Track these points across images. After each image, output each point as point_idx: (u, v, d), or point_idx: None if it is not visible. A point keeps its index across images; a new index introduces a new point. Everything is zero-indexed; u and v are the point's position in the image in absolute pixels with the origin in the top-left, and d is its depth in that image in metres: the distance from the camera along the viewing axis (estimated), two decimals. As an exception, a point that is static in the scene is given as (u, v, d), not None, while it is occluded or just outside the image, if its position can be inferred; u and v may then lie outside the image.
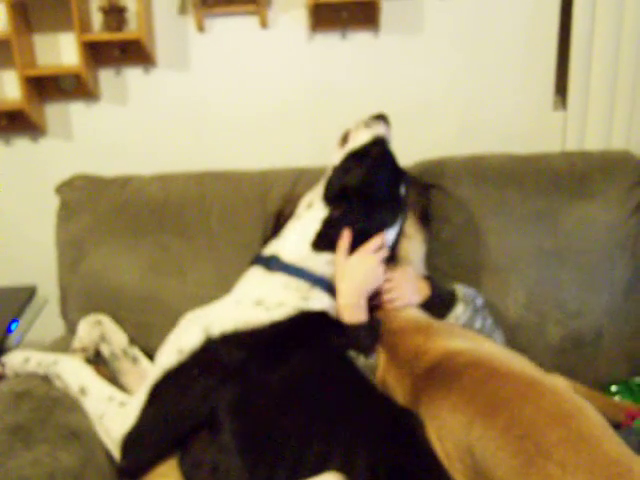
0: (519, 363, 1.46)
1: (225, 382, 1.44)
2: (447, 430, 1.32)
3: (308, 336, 1.59)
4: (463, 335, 1.62)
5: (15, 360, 1.68)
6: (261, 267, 1.71)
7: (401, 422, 1.42)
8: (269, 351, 1.51)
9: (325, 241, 1.71)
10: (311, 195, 1.84)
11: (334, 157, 1.88)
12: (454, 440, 1.29)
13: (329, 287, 1.70)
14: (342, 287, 1.68)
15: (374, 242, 1.73)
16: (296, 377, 1.49)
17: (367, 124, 1.89)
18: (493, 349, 1.54)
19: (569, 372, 1.92)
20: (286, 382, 1.47)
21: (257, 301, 1.60)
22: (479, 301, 1.86)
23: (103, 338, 1.86)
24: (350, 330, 1.66)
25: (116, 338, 1.89)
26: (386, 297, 1.74)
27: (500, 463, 1.18)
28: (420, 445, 1.35)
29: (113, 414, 1.49)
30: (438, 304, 1.78)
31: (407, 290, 1.76)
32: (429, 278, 1.87)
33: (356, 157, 1.81)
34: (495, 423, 1.23)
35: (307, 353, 1.55)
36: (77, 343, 1.78)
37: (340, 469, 1.27)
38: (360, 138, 1.85)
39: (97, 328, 1.86)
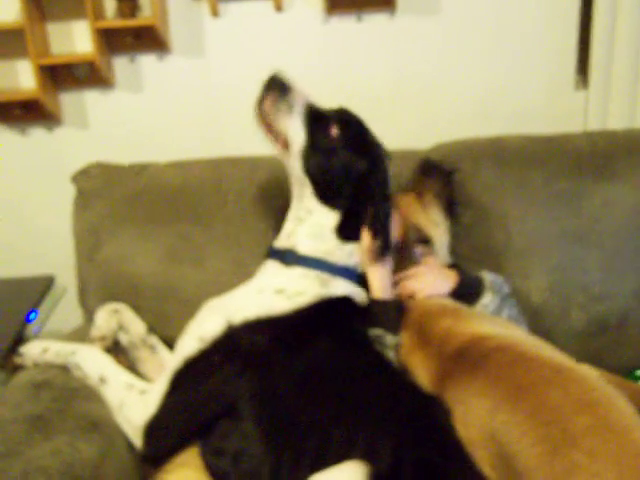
0: (546, 351, 1.43)
1: (247, 369, 1.43)
2: (472, 415, 1.29)
3: (330, 322, 1.57)
4: (492, 321, 1.60)
5: (33, 350, 1.67)
6: (276, 261, 1.69)
7: (426, 408, 1.40)
8: (291, 338, 1.50)
9: (349, 232, 1.68)
10: (296, 210, 1.75)
11: (290, 163, 1.71)
12: (479, 426, 1.27)
13: (351, 275, 1.69)
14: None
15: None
16: (318, 363, 1.47)
17: (284, 109, 1.67)
18: (521, 335, 1.51)
19: (593, 357, 1.90)
20: (308, 368, 1.45)
21: (277, 290, 1.58)
22: (506, 289, 1.83)
23: (121, 327, 1.85)
24: (379, 307, 1.67)
25: (134, 326, 1.88)
26: (412, 287, 1.72)
27: (524, 449, 1.15)
28: (445, 432, 1.33)
29: (133, 402, 1.48)
30: (466, 292, 1.75)
31: (432, 279, 1.74)
32: (455, 266, 1.84)
33: (318, 149, 1.65)
34: (520, 408, 1.20)
35: (329, 339, 1.53)
36: (95, 332, 1.77)
37: (364, 455, 1.25)
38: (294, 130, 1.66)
39: (115, 317, 1.85)
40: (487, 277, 1.83)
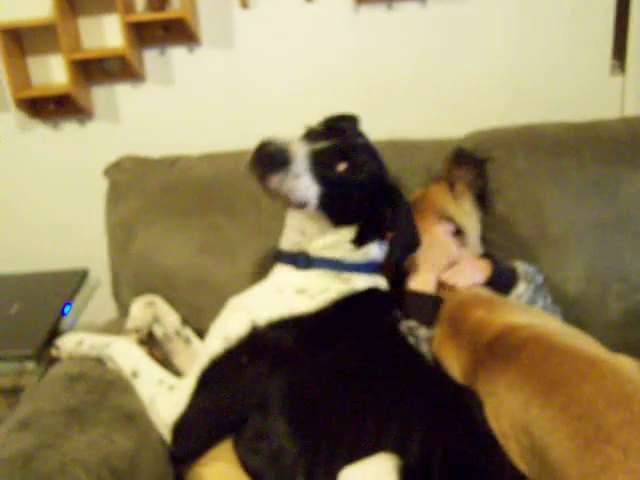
0: (582, 341, 1.41)
1: (274, 369, 1.43)
2: (504, 408, 1.28)
3: (356, 317, 1.56)
4: (526, 310, 1.58)
5: (69, 343, 1.69)
6: (288, 265, 1.65)
7: (457, 401, 1.39)
8: (317, 335, 1.50)
9: (366, 238, 1.66)
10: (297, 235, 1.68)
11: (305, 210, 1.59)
12: (511, 419, 1.25)
13: (370, 267, 1.68)
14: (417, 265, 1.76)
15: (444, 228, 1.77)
16: (347, 358, 1.47)
17: (291, 178, 1.48)
18: (556, 326, 1.48)
19: (632, 348, 1.85)
20: (337, 364, 1.45)
21: (299, 290, 1.57)
22: (539, 279, 1.80)
23: (156, 319, 1.86)
24: (416, 299, 1.68)
25: (169, 319, 1.89)
26: (449, 278, 1.71)
27: (557, 444, 1.12)
28: (477, 425, 1.32)
29: (163, 399, 1.48)
30: (500, 282, 1.73)
31: (469, 270, 1.72)
32: (489, 256, 1.82)
33: (332, 191, 1.55)
34: (553, 402, 1.18)
35: (357, 334, 1.52)
36: (130, 324, 1.78)
37: (394, 449, 1.25)
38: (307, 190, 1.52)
39: (150, 309, 1.86)
40: (520, 267, 1.80)
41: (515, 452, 1.24)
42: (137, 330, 1.76)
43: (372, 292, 1.63)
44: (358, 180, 1.56)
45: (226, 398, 1.43)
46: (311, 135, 1.62)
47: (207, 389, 1.44)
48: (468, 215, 1.86)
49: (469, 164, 1.90)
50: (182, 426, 1.43)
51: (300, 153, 1.46)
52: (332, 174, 1.52)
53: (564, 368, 1.24)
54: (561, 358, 1.27)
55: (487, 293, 1.67)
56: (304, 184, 1.48)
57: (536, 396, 1.21)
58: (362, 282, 1.62)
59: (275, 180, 1.44)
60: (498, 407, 1.29)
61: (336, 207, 1.57)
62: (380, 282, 1.68)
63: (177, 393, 1.47)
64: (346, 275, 1.61)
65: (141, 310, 1.84)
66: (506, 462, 1.24)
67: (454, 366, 1.50)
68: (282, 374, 1.42)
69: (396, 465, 1.18)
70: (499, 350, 1.38)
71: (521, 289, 1.74)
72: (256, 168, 1.46)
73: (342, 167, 1.55)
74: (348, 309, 1.56)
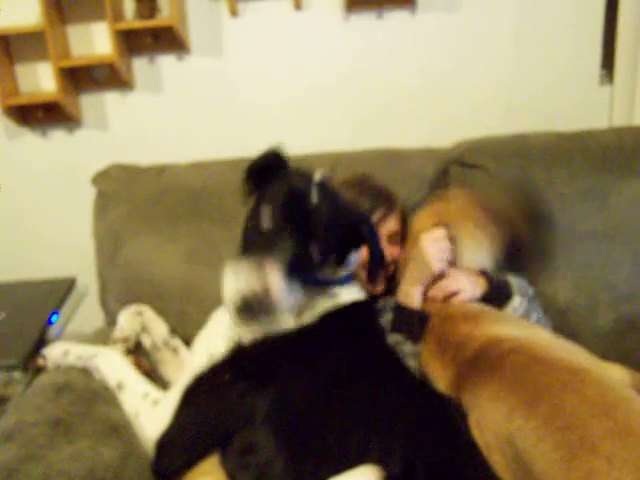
0: (567, 350, 1.39)
1: (259, 386, 1.41)
2: (487, 420, 1.27)
3: (341, 331, 1.54)
4: (516, 323, 1.56)
5: (55, 353, 1.67)
6: None
7: (442, 412, 1.38)
8: (301, 351, 1.47)
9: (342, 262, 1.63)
10: None
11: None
12: (494, 430, 1.24)
13: (350, 278, 1.66)
14: (403, 279, 1.74)
15: (431, 234, 1.72)
16: (332, 372, 1.44)
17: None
18: (543, 336, 1.48)
19: (622, 357, 1.85)
20: (322, 379, 1.43)
21: None
22: (531, 291, 1.80)
23: (144, 328, 1.85)
24: (403, 314, 1.66)
25: (157, 328, 1.87)
26: (448, 290, 1.69)
27: (541, 455, 1.11)
28: (461, 436, 1.31)
29: (147, 413, 1.46)
30: (496, 297, 1.72)
31: (468, 284, 1.71)
32: (483, 272, 1.80)
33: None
34: (536, 412, 1.17)
35: (342, 348, 1.50)
36: (118, 333, 1.76)
37: (379, 461, 1.24)
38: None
39: (138, 318, 1.85)
40: (512, 280, 1.79)
41: (499, 464, 1.22)
42: (125, 340, 1.74)
43: (356, 305, 1.61)
44: (331, 248, 1.49)
45: (210, 416, 1.40)
46: (275, 241, 1.42)
47: (190, 407, 1.42)
48: (473, 245, 1.84)
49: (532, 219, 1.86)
50: (165, 444, 1.40)
51: (278, 288, 1.33)
52: (308, 271, 1.45)
53: (546, 378, 1.23)
54: (543, 368, 1.26)
55: (478, 307, 1.66)
56: (289, 305, 1.41)
57: (519, 407, 1.20)
58: (346, 295, 1.60)
59: (265, 320, 1.40)
60: (481, 419, 1.28)
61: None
62: (360, 291, 1.67)
63: (161, 409, 1.44)
64: (331, 290, 1.60)
65: (129, 319, 1.82)
66: (490, 473, 1.23)
67: (440, 380, 1.49)
68: (267, 391, 1.40)
69: (380, 476, 1.17)
70: (483, 363, 1.37)
71: (516, 302, 1.73)
72: (244, 317, 1.36)
73: (315, 252, 1.46)
74: (333, 324, 1.54)
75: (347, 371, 1.46)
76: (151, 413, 1.45)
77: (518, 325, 1.54)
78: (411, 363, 1.61)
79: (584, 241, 1.95)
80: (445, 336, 1.55)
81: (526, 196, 1.85)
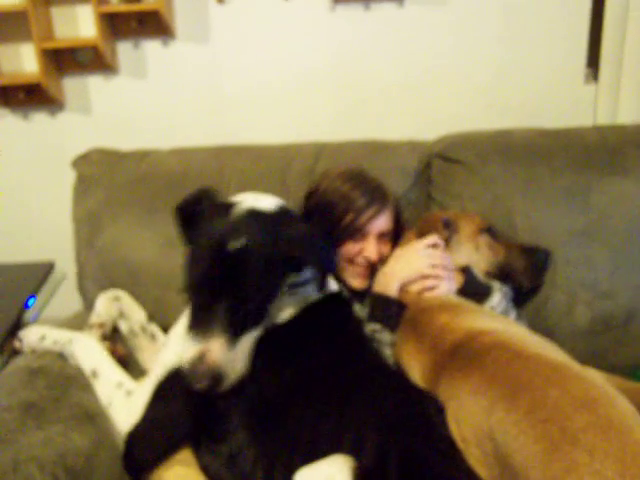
0: (547, 348, 1.40)
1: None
2: (466, 413, 1.26)
3: (317, 327, 1.54)
4: (494, 318, 1.57)
5: (32, 336, 1.66)
6: None
7: (416, 403, 1.38)
8: (276, 347, 1.46)
9: None
10: None
11: None
12: (473, 424, 1.24)
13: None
14: (383, 269, 1.76)
15: (425, 241, 1.74)
16: (306, 365, 1.44)
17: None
18: (523, 332, 1.48)
19: (597, 355, 1.88)
20: (296, 372, 1.42)
21: None
22: (510, 292, 1.81)
23: (121, 314, 1.84)
24: (380, 302, 1.68)
25: (134, 314, 1.86)
26: (426, 284, 1.70)
27: (521, 448, 1.11)
28: (435, 429, 1.31)
29: (120, 404, 1.45)
30: (473, 291, 1.73)
31: (446, 278, 1.71)
32: (464, 269, 1.80)
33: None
34: (517, 406, 1.17)
35: (317, 341, 1.50)
36: (95, 318, 1.75)
37: (349, 451, 1.23)
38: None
39: (115, 304, 1.84)
40: (494, 282, 1.81)
41: (476, 457, 1.22)
42: (101, 325, 1.73)
43: (329, 298, 1.60)
44: (269, 289, 1.42)
45: (181, 411, 1.40)
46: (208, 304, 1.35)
47: (162, 401, 1.41)
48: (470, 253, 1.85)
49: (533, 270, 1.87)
50: (135, 438, 1.40)
51: (221, 360, 1.31)
52: (253, 321, 1.40)
53: (528, 373, 1.23)
54: (525, 363, 1.26)
55: (456, 299, 1.66)
56: (239, 366, 1.37)
57: (500, 401, 1.20)
58: (314, 290, 1.57)
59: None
60: (459, 411, 1.28)
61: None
62: (331, 283, 1.65)
63: (133, 401, 1.43)
64: (302, 288, 1.58)
65: (106, 305, 1.81)
66: (463, 466, 1.23)
67: (415, 370, 1.49)
68: (240, 386, 1.39)
69: (351, 466, 1.17)
70: (461, 355, 1.37)
71: (496, 300, 1.74)
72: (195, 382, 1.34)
73: (252, 303, 1.37)
74: (308, 320, 1.53)
75: (322, 364, 1.45)
76: (124, 404, 1.45)
77: (497, 320, 1.54)
78: (388, 352, 1.62)
79: (564, 238, 1.96)
80: (421, 325, 1.55)
81: (536, 248, 1.87)
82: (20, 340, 1.67)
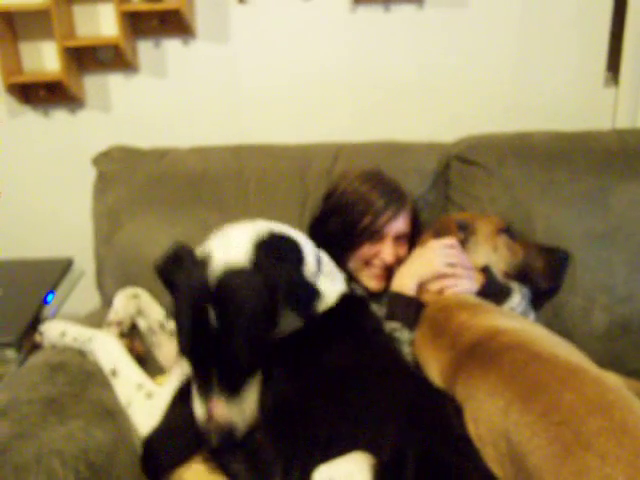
0: (565, 350, 1.39)
1: None
2: (483, 413, 1.26)
3: (336, 327, 1.53)
4: (513, 318, 1.57)
5: (52, 332, 1.66)
6: None
7: (434, 404, 1.38)
8: (294, 348, 1.46)
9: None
10: None
11: None
12: (490, 424, 1.24)
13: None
14: (401, 269, 1.77)
15: (442, 241, 1.75)
16: (325, 367, 1.43)
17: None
18: (541, 333, 1.48)
19: (615, 359, 1.87)
20: (314, 373, 1.42)
21: None
22: (528, 293, 1.81)
23: (140, 312, 1.83)
24: (399, 301, 1.68)
25: (153, 312, 1.86)
26: (445, 283, 1.70)
27: (535, 450, 1.11)
28: (454, 429, 1.31)
29: (139, 406, 1.46)
30: (493, 292, 1.72)
31: (467, 278, 1.72)
32: (484, 269, 1.81)
33: None
34: (533, 408, 1.17)
35: (337, 342, 1.49)
36: (113, 316, 1.75)
37: (367, 450, 1.23)
38: None
39: (134, 301, 1.83)
40: (514, 283, 1.81)
41: (491, 457, 1.22)
42: (119, 323, 1.73)
43: (345, 300, 1.58)
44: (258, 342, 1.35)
45: None
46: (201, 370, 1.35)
47: (182, 404, 1.41)
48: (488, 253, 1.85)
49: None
50: (154, 441, 1.40)
51: (227, 421, 1.32)
52: (242, 378, 1.36)
53: (545, 375, 1.23)
54: (542, 365, 1.26)
55: (475, 299, 1.66)
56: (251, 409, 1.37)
57: (516, 402, 1.20)
58: (329, 292, 1.56)
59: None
60: (477, 411, 1.28)
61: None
62: (341, 282, 1.65)
63: (153, 404, 1.44)
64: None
65: (124, 302, 1.81)
66: (481, 465, 1.23)
67: (433, 367, 1.49)
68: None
69: (370, 463, 1.17)
70: (480, 354, 1.37)
71: (515, 301, 1.74)
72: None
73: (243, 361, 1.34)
74: (325, 323, 1.52)
75: (340, 363, 1.45)
76: (143, 407, 1.45)
77: (515, 319, 1.54)
78: (407, 350, 1.62)
79: (582, 242, 1.95)
80: (440, 323, 1.56)
81: (555, 249, 1.88)
82: (41, 334, 1.68)
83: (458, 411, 1.33)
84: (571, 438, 1.07)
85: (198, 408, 1.33)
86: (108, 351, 1.58)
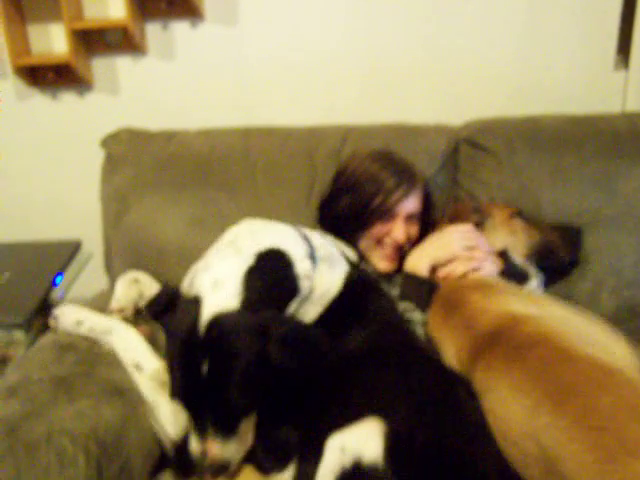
0: (593, 337, 1.35)
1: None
2: (505, 409, 1.24)
3: (351, 311, 1.54)
4: (533, 300, 1.54)
5: (67, 319, 1.63)
6: None
7: (447, 388, 1.37)
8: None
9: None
10: None
11: None
12: (514, 423, 1.21)
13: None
14: (414, 250, 1.78)
15: (462, 227, 1.76)
16: (340, 353, 1.44)
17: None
18: (564, 315, 1.45)
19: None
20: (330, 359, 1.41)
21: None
22: (541, 276, 1.81)
23: (142, 296, 1.81)
24: (412, 282, 1.68)
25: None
26: (468, 266, 1.69)
27: (572, 456, 1.06)
28: (465, 414, 1.31)
29: (166, 407, 1.43)
30: (513, 275, 1.72)
31: (487, 261, 1.71)
32: (504, 254, 1.80)
33: None
34: (566, 411, 1.12)
35: (353, 326, 1.50)
36: (115, 304, 1.73)
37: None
38: None
39: (134, 286, 1.82)
40: (529, 266, 1.81)
41: (514, 454, 1.20)
42: (121, 310, 1.71)
43: (351, 284, 1.58)
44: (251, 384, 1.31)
45: None
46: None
47: None
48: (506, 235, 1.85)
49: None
50: (184, 445, 1.37)
51: (222, 453, 1.31)
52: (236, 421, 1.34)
53: (577, 377, 1.18)
54: (573, 365, 1.21)
55: (495, 280, 1.65)
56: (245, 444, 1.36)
57: (546, 404, 1.16)
58: (334, 281, 1.56)
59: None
60: (498, 406, 1.26)
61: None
62: (342, 263, 1.63)
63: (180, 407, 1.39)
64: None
65: (125, 289, 1.79)
66: (492, 452, 1.23)
67: (448, 348, 1.48)
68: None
69: (382, 430, 1.18)
70: (502, 345, 1.34)
71: (534, 284, 1.75)
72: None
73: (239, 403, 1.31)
74: (337, 312, 1.53)
75: (352, 351, 1.46)
76: (170, 407, 1.42)
77: (537, 304, 1.51)
78: (420, 331, 1.62)
79: (591, 226, 1.94)
80: (452, 303, 1.55)
81: (566, 226, 1.89)
82: (55, 318, 1.64)
83: (472, 395, 1.33)
84: (614, 445, 1.03)
85: (193, 443, 1.31)
86: (129, 345, 1.54)
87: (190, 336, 1.27)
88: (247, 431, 1.34)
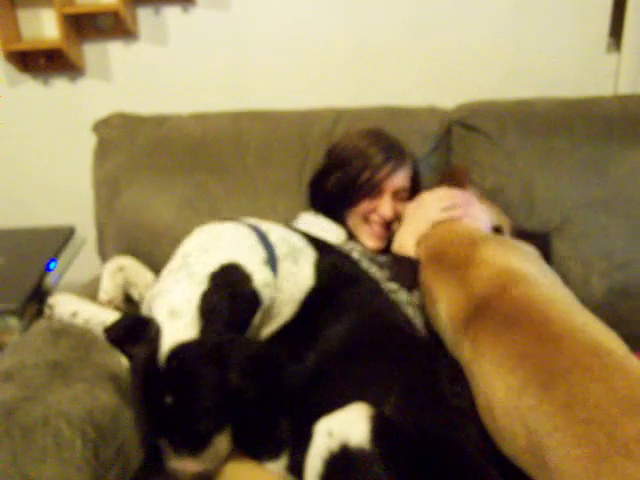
0: (584, 318, 1.26)
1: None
2: (491, 386, 1.21)
3: (330, 293, 1.53)
4: (526, 257, 1.48)
5: (63, 310, 1.60)
6: None
7: (429, 374, 1.39)
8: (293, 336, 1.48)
9: None
10: None
11: None
12: (499, 399, 1.18)
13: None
14: (400, 229, 1.76)
15: (435, 192, 1.77)
16: (324, 343, 1.45)
17: None
18: (552, 281, 1.42)
19: (613, 327, 1.87)
20: (312, 352, 1.44)
21: None
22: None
23: (128, 283, 1.80)
24: (396, 261, 1.69)
25: (140, 279, 1.83)
26: (450, 213, 1.68)
27: (558, 447, 1.01)
28: (447, 400, 1.34)
29: None
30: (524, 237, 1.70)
31: (474, 209, 1.70)
32: (498, 230, 1.80)
33: None
34: (551, 396, 1.07)
35: (328, 318, 1.49)
36: (103, 296, 1.71)
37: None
38: None
39: (119, 275, 1.79)
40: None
41: (498, 427, 1.19)
42: (110, 301, 1.69)
43: (324, 274, 1.55)
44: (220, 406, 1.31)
45: None
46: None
47: None
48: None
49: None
50: None
51: (198, 467, 1.31)
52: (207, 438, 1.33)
53: (565, 358, 1.11)
54: (563, 344, 1.14)
55: (481, 231, 1.63)
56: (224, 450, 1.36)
57: (531, 385, 1.11)
58: (302, 276, 1.53)
59: None
60: (484, 382, 1.24)
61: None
62: (307, 254, 1.59)
63: None
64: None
65: (110, 280, 1.76)
66: (472, 437, 1.26)
67: (443, 310, 1.45)
68: None
69: (369, 414, 1.19)
70: (490, 312, 1.29)
71: None
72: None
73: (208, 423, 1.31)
74: (317, 301, 1.51)
75: (335, 344, 1.46)
76: None
77: (530, 261, 1.47)
78: (409, 312, 1.63)
79: (581, 209, 1.96)
80: (445, 256, 1.53)
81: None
82: (50, 307, 1.63)
83: (455, 379, 1.34)
84: (604, 442, 0.97)
85: (170, 460, 1.31)
86: None
87: (151, 367, 1.27)
88: (222, 440, 1.33)
